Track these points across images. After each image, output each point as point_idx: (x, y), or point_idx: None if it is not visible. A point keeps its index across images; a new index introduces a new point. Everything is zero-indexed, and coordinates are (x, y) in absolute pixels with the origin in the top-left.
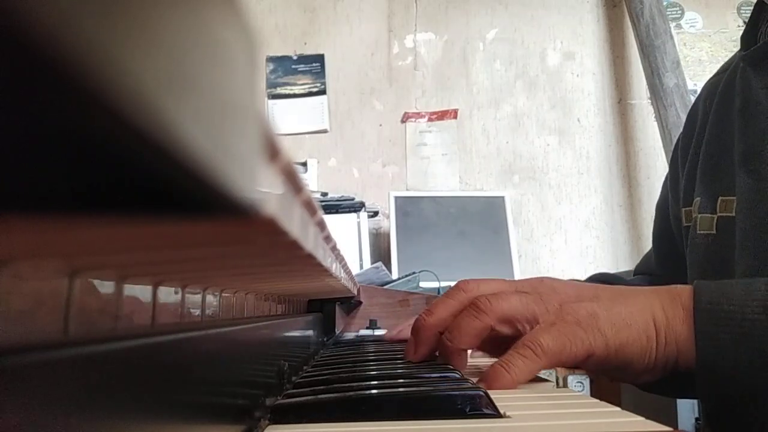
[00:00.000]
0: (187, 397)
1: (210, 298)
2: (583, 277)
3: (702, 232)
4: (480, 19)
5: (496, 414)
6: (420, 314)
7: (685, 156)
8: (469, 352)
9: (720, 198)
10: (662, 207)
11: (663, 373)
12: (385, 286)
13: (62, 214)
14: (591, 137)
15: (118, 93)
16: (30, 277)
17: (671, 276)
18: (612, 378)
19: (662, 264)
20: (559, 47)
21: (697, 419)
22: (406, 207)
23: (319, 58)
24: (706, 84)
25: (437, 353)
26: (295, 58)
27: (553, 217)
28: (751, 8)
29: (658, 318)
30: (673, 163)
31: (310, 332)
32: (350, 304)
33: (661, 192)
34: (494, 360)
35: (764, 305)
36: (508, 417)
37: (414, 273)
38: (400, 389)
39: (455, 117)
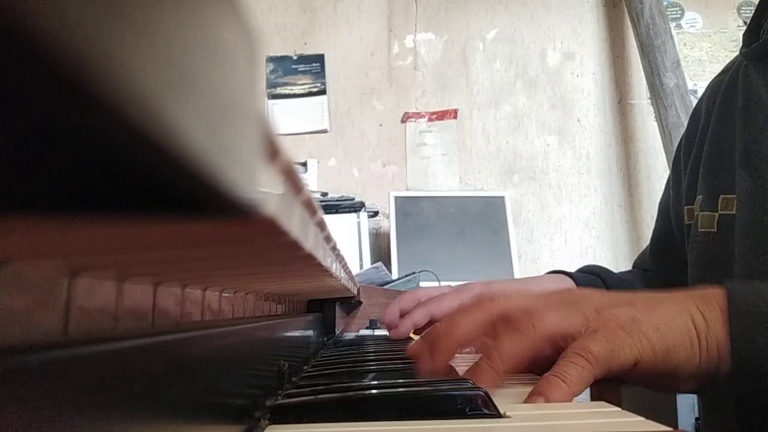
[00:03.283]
0: (187, 397)
1: (210, 298)
2: None
3: (703, 230)
4: (480, 19)
5: (496, 414)
6: (439, 324)
7: (687, 154)
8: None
9: (721, 196)
10: (664, 205)
11: (706, 379)
12: (385, 286)
13: (62, 214)
14: (591, 137)
15: (118, 93)
16: (30, 277)
17: (665, 273)
18: (657, 389)
19: (658, 260)
20: (559, 47)
21: (697, 419)
22: (406, 207)
23: (319, 58)
24: (709, 84)
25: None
26: (295, 58)
27: (553, 217)
28: (751, 8)
29: (698, 321)
30: (676, 162)
31: (310, 332)
32: (350, 304)
33: (664, 190)
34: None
35: None
36: (508, 417)
37: (414, 273)
38: (400, 389)
39: (455, 117)
